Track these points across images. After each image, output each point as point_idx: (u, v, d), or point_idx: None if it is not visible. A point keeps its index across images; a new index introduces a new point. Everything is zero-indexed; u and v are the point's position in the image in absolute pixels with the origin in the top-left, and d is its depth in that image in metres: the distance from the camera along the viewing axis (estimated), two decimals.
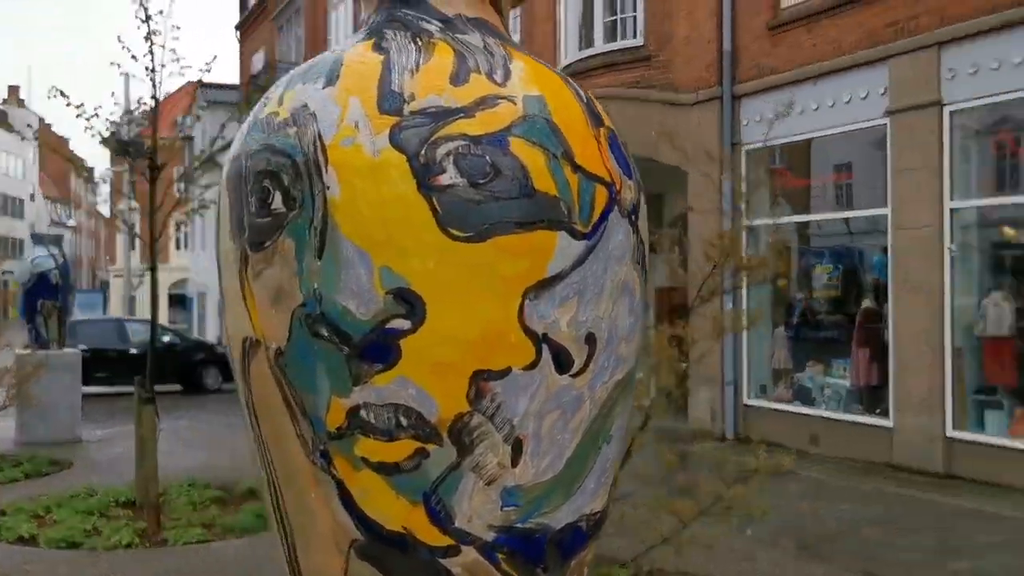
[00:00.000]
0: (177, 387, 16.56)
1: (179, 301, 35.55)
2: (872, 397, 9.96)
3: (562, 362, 1.19)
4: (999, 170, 8.87)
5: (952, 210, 8.81)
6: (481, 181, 1.13)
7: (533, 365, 1.17)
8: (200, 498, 6.74)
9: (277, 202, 1.18)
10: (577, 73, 12.85)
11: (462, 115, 1.16)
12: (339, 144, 1.16)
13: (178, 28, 6.78)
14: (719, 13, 11.39)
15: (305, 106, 1.21)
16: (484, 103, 1.17)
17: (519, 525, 1.21)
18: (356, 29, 1.57)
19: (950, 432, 8.81)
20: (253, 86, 20.46)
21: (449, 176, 1.13)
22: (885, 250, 9.43)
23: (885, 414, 9.58)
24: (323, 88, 1.21)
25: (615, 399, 1.26)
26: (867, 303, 10.11)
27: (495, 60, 1.23)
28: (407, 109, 1.16)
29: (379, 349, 1.14)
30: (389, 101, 1.16)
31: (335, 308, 1.15)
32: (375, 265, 1.13)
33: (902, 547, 6.54)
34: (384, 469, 1.17)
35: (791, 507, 6.69)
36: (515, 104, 1.19)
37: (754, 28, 11.06)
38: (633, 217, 1.27)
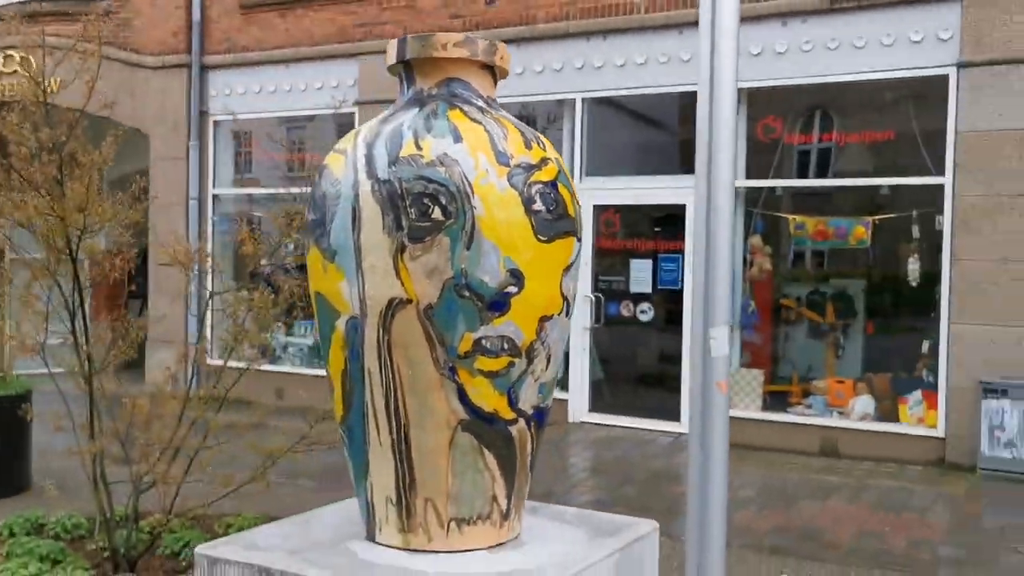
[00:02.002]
0: None
1: None
2: None
3: (568, 310, 2.16)
4: None
5: None
6: (553, 208, 2.05)
7: (560, 312, 2.12)
8: None
9: (437, 214, 1.94)
10: (21, 17, 12.00)
11: (537, 169, 2.05)
12: (479, 182, 1.97)
13: None
14: None
15: (447, 154, 1.98)
16: (544, 162, 2.08)
17: (542, 405, 2.16)
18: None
19: None
20: None
21: (538, 205, 2.03)
22: None
23: None
24: (454, 143, 2.00)
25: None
26: None
27: (531, 133, 2.14)
28: (512, 163, 2.02)
29: (499, 304, 1.99)
30: (502, 158, 2.01)
31: (475, 280, 1.97)
32: (501, 255, 1.98)
33: None
34: (490, 375, 2.02)
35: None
36: (553, 163, 2.12)
37: (226, 3, 11.64)
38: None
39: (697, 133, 4.73)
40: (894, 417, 8.36)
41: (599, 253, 9.49)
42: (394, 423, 2.05)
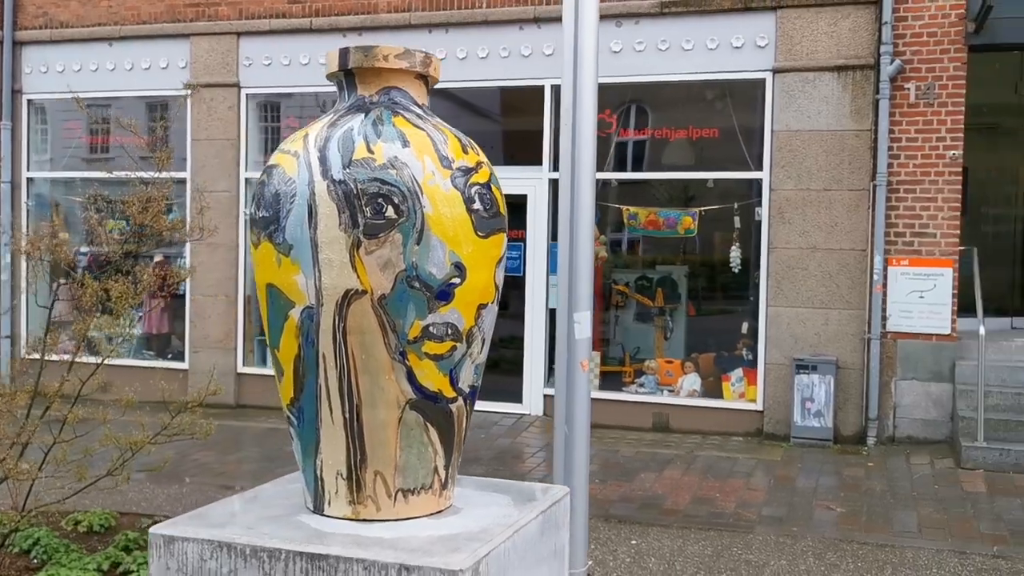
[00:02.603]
0: None
1: None
2: (164, 343, 11.16)
3: (497, 299, 2.42)
4: None
5: (246, 179, 10.47)
6: (489, 207, 2.30)
7: (493, 300, 2.38)
8: None
9: (390, 212, 2.15)
10: None
11: (474, 172, 2.29)
12: (427, 183, 2.19)
13: None
14: None
15: (397, 158, 2.18)
16: (479, 165, 2.32)
17: (475, 384, 2.41)
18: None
19: (240, 369, 10.53)
20: None
21: (477, 204, 2.27)
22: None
23: (180, 357, 10.86)
24: (403, 148, 2.20)
25: None
26: (159, 257, 11.19)
27: (465, 139, 2.37)
28: (454, 166, 2.25)
29: (445, 294, 2.22)
30: (445, 162, 2.24)
31: (425, 272, 2.19)
32: (447, 250, 2.21)
33: (236, 461, 8.11)
34: (435, 358, 2.25)
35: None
36: (485, 166, 2.36)
37: None
38: None
39: (561, 128, 5.09)
40: (718, 393, 9.09)
41: None
42: (347, 403, 2.25)
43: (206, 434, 5.72)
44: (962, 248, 8.12)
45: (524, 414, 9.61)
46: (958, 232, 8.11)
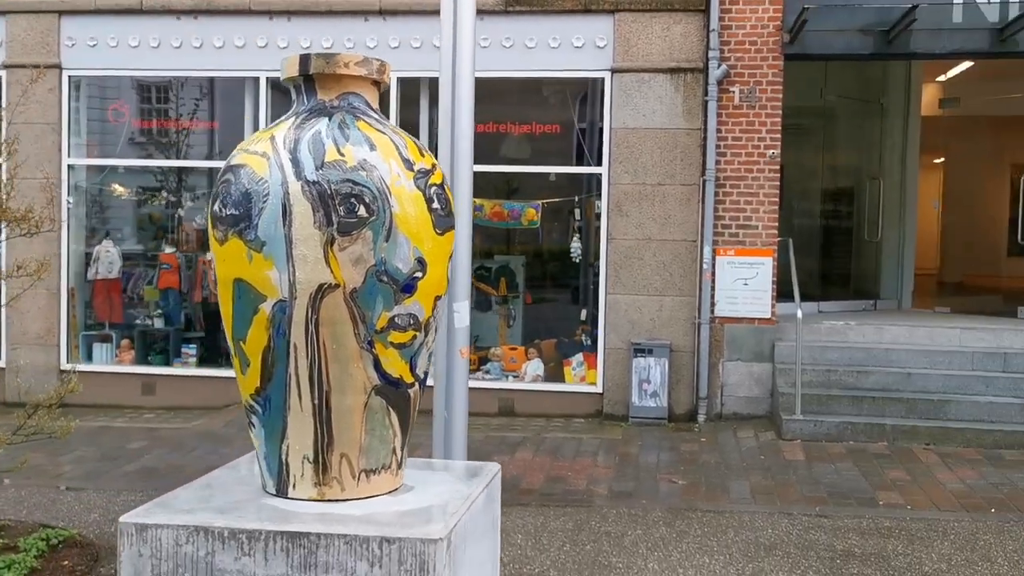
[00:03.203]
0: None
1: None
2: None
3: (446, 291, 2.64)
4: (112, 135, 10.40)
5: (69, 166, 10.02)
6: (444, 207, 2.51)
7: (445, 293, 2.60)
8: None
9: (361, 211, 2.32)
10: None
11: (432, 174, 2.50)
12: (394, 184, 2.37)
13: None
14: None
15: (365, 161, 2.35)
16: (434, 168, 2.53)
17: (427, 370, 2.62)
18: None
19: (64, 365, 10.08)
20: None
21: (436, 204, 2.47)
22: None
23: None
24: (371, 151, 2.38)
25: None
26: None
27: (419, 143, 2.57)
28: (415, 168, 2.44)
29: (409, 287, 2.42)
30: (407, 164, 2.43)
31: (392, 267, 2.38)
32: (411, 246, 2.40)
33: (72, 461, 7.86)
34: (399, 347, 2.44)
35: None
36: (439, 168, 2.57)
37: None
38: None
39: (440, 121, 5.30)
40: (560, 377, 9.56)
41: None
42: (316, 390, 2.40)
43: (65, 433, 5.59)
44: (779, 239, 8.94)
45: None
46: (777, 224, 8.92)
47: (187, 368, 10.28)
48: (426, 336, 2.54)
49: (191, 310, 10.43)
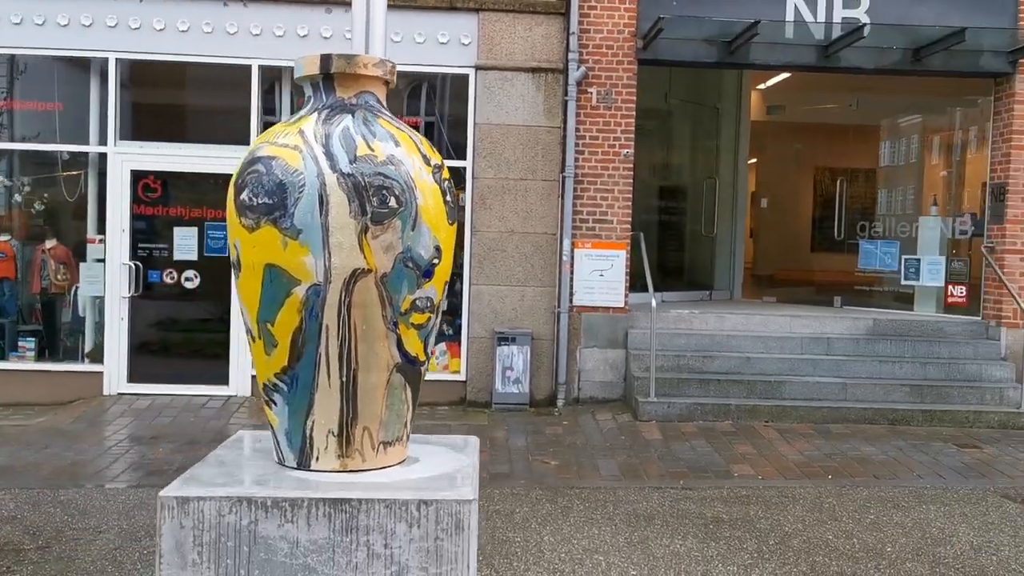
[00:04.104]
0: None
1: None
2: None
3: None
4: None
5: None
6: (453, 200, 2.77)
7: (450, 278, 2.86)
8: None
9: (392, 203, 2.55)
10: None
11: (442, 168, 2.75)
12: (418, 178, 2.61)
13: None
14: None
15: (393, 156, 2.58)
16: (443, 163, 2.78)
17: (433, 350, 2.87)
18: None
19: None
20: None
21: (448, 197, 2.73)
22: None
23: None
24: (396, 147, 2.60)
25: None
26: None
27: (428, 140, 2.82)
28: (431, 163, 2.69)
29: (429, 272, 2.67)
30: (426, 160, 2.67)
31: (416, 254, 2.62)
32: (432, 235, 2.65)
33: None
34: (417, 327, 2.69)
35: None
36: (444, 164, 2.82)
37: None
38: None
39: None
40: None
41: (139, 220, 9.45)
42: (345, 368, 2.61)
43: None
44: (632, 233, 9.57)
45: (231, 396, 9.65)
46: (630, 219, 9.54)
47: (24, 363, 9.81)
48: (438, 317, 2.79)
49: (28, 301, 9.94)
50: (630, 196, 9.49)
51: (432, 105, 9.81)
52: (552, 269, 9.44)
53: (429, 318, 2.73)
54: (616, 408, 9.57)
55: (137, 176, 9.44)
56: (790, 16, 9.37)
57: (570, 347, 9.48)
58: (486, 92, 9.35)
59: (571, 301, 9.47)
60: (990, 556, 5.80)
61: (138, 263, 9.47)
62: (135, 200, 9.46)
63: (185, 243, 9.54)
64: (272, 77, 9.53)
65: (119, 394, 9.51)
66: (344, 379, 2.61)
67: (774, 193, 14.11)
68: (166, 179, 9.56)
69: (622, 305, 9.53)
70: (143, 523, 5.83)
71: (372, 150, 2.57)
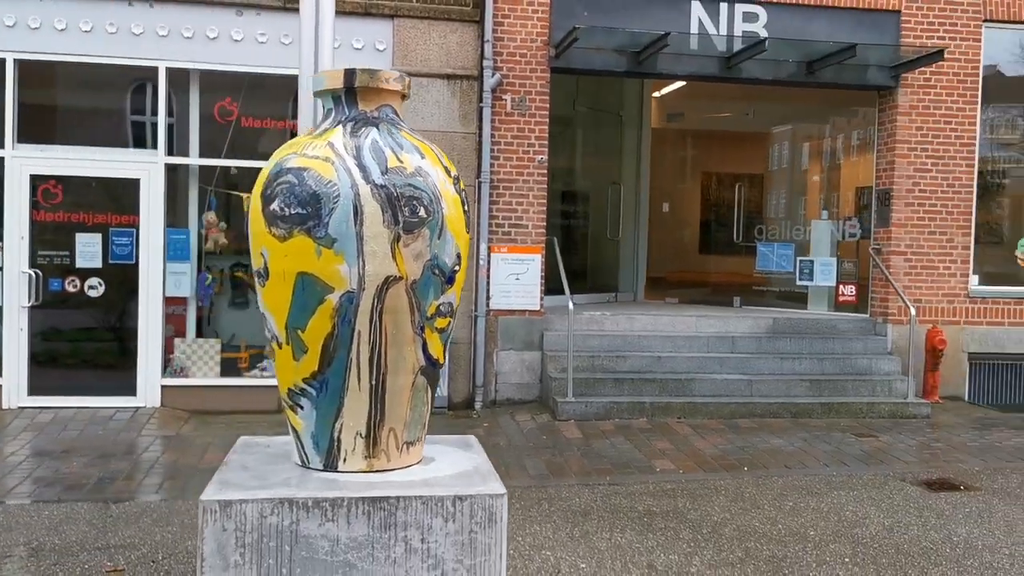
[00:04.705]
0: None
1: None
2: None
3: None
4: None
5: None
6: (468, 209, 2.92)
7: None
8: None
9: (421, 212, 2.68)
10: None
11: (459, 179, 2.90)
12: (443, 188, 2.76)
13: None
14: None
15: (420, 167, 2.72)
16: (459, 175, 2.93)
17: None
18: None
19: None
20: None
21: (465, 207, 2.88)
22: None
23: None
24: (422, 159, 2.74)
25: None
26: None
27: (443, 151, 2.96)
28: (451, 174, 2.83)
29: (451, 279, 2.81)
30: (447, 171, 2.81)
31: (442, 261, 2.76)
32: (455, 243, 2.79)
33: None
34: (440, 331, 2.83)
35: None
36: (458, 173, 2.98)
37: None
38: None
39: (301, 116, 5.52)
40: None
41: (39, 227, 9.15)
42: (375, 371, 2.72)
43: None
44: (546, 237, 9.83)
45: (139, 407, 9.44)
46: (545, 224, 9.80)
47: None
48: (454, 322, 2.94)
49: None
50: (545, 201, 9.76)
51: None
52: (470, 273, 9.60)
53: (450, 322, 2.88)
54: (534, 409, 9.80)
55: (36, 181, 9.13)
56: (694, 29, 9.83)
57: (487, 350, 9.67)
58: None
59: (488, 305, 9.67)
60: (902, 535, 6.29)
61: (38, 271, 9.16)
62: (34, 206, 9.14)
63: (88, 250, 9.28)
64: (180, 79, 9.38)
65: (20, 408, 9.17)
66: (373, 382, 2.72)
67: (674, 198, 14.65)
68: (67, 184, 9.28)
69: (538, 308, 9.78)
70: (76, 538, 5.74)
71: (401, 162, 2.69)
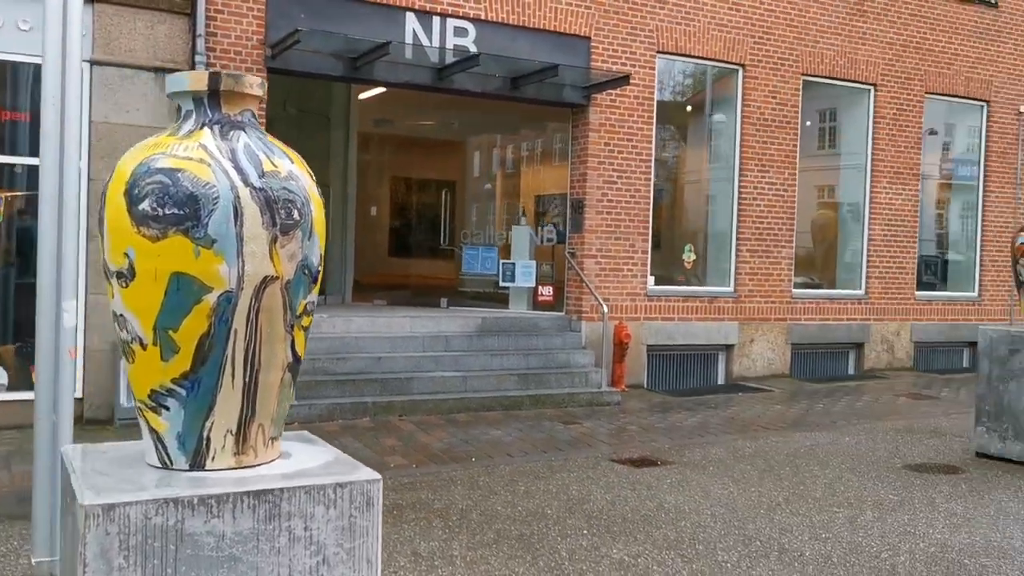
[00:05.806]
0: None
1: None
2: None
3: None
4: None
5: None
6: (324, 211, 3.08)
7: None
8: None
9: (296, 215, 2.81)
10: None
11: (318, 184, 3.05)
12: (311, 191, 2.90)
13: None
14: None
15: (292, 172, 2.84)
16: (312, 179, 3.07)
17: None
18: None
19: None
20: None
21: (326, 208, 3.03)
22: None
23: None
24: (291, 164, 2.86)
25: None
26: None
27: None
28: (313, 177, 2.97)
29: (316, 278, 2.96)
30: (311, 175, 2.95)
31: (311, 262, 2.90)
32: (319, 244, 2.94)
33: None
34: (305, 329, 2.96)
35: None
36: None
37: None
38: None
39: (45, 110, 5.26)
40: (29, 385, 9.09)
41: None
42: (249, 369, 2.80)
43: None
44: None
45: None
46: None
47: None
48: (313, 319, 3.08)
49: None
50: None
51: (37, 100, 9.12)
52: None
53: (311, 320, 3.01)
54: None
55: None
56: (409, 39, 10.25)
57: None
58: (104, 89, 8.98)
59: None
60: (624, 506, 7.12)
61: None
62: None
63: None
64: (22, 74, 8.30)
65: None
66: (247, 380, 2.79)
67: (380, 202, 14.97)
68: None
69: None
70: None
71: (275, 166, 2.79)
